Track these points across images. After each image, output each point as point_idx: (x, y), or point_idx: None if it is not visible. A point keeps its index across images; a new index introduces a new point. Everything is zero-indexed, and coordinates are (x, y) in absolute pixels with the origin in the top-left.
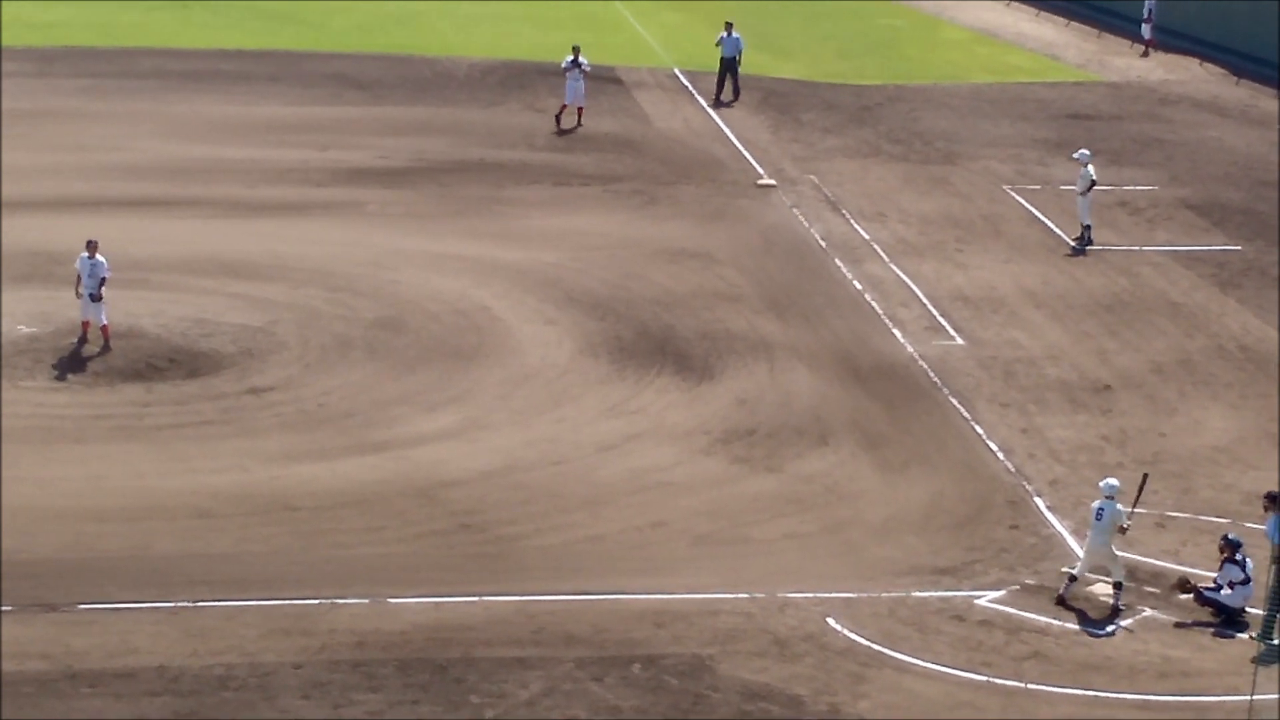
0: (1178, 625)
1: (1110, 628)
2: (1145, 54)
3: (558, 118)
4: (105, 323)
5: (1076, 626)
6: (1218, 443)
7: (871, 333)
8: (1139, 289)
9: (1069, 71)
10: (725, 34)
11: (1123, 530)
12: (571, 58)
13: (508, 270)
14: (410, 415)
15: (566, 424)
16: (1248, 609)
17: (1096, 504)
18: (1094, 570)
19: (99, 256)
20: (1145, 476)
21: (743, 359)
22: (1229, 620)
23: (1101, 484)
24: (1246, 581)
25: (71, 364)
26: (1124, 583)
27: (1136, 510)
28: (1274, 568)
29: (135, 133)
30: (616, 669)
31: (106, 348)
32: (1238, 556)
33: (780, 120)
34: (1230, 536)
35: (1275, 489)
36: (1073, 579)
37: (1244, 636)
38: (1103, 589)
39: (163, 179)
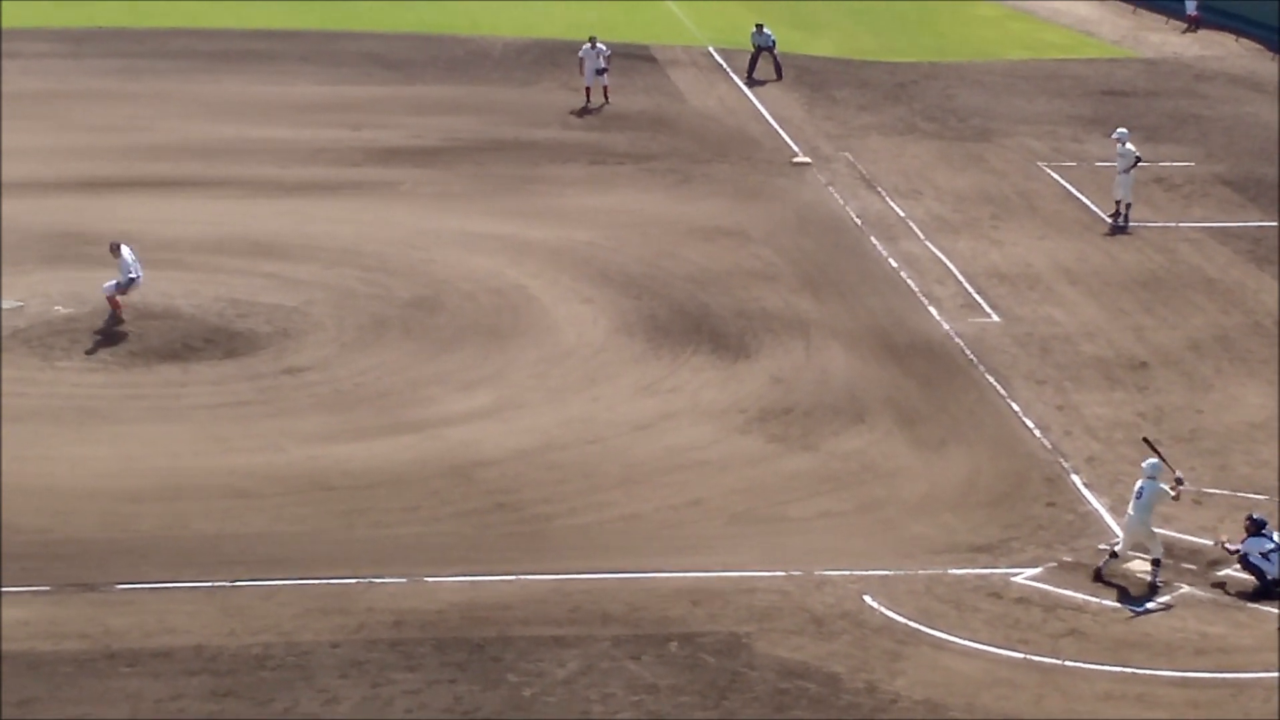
0: (1216, 585)
1: (1148, 605)
2: (1192, 29)
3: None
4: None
5: (1114, 604)
6: (1254, 419)
7: (907, 310)
8: (1175, 265)
9: (1104, 48)
10: (756, 31)
11: (1175, 497)
12: (588, 44)
13: (542, 249)
14: (446, 395)
15: (602, 403)
16: None
17: (1138, 482)
18: (1133, 548)
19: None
20: (1145, 440)
21: (778, 337)
22: (1266, 591)
23: (1144, 464)
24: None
25: (108, 344)
26: (1162, 560)
27: (1177, 476)
28: None
29: (167, 113)
30: (653, 647)
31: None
32: (1264, 531)
33: (814, 98)
34: (1255, 515)
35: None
36: (1113, 555)
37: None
38: (1140, 565)
39: (195, 159)
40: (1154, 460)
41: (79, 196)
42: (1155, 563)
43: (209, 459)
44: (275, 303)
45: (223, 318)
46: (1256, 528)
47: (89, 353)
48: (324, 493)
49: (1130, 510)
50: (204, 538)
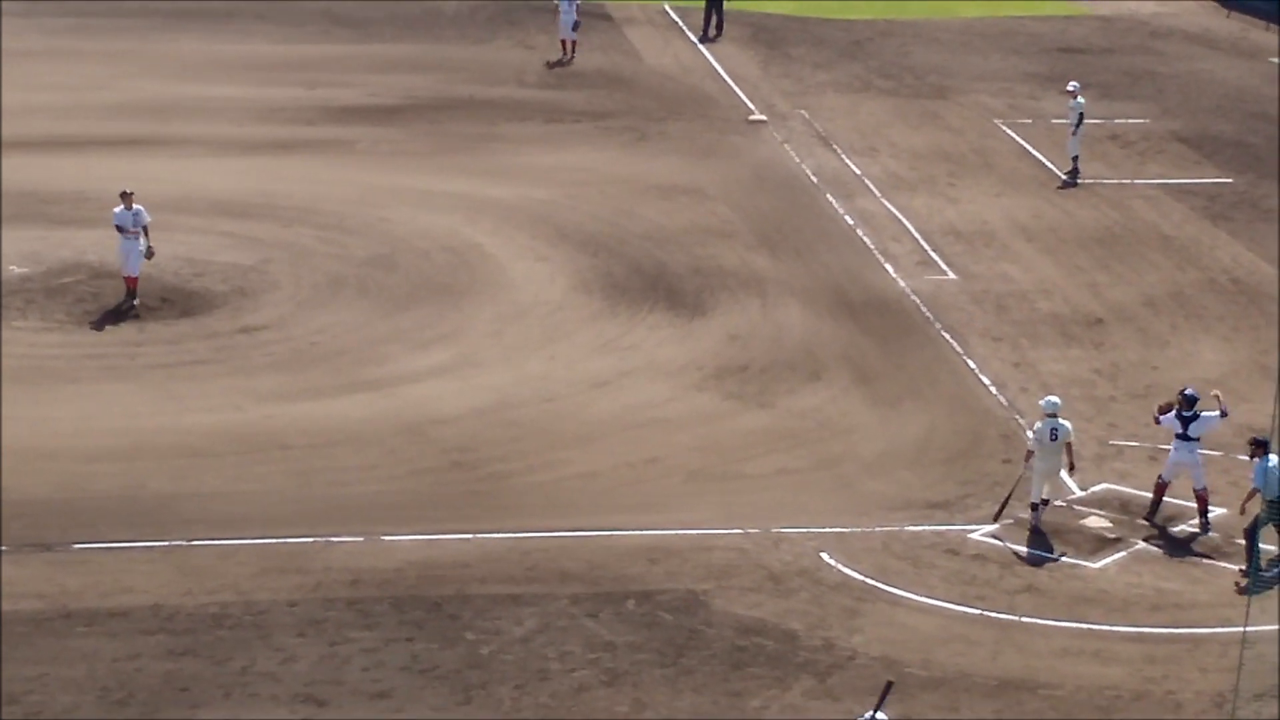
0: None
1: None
2: None
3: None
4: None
5: (1070, 559)
6: (1210, 375)
7: (863, 268)
8: (1131, 222)
9: (1060, 5)
10: None
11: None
12: None
13: (499, 207)
14: (402, 353)
15: (559, 361)
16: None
17: (1049, 425)
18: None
19: (137, 205)
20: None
21: (735, 295)
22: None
23: (1043, 402)
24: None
25: (63, 305)
26: (1047, 503)
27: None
28: (1263, 506)
29: (123, 72)
30: (611, 605)
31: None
32: (1185, 413)
33: (770, 56)
34: (1188, 391)
35: (1262, 429)
36: (1035, 507)
37: (1235, 568)
38: (1097, 521)
39: (151, 118)
40: (1052, 398)
41: (34, 155)
42: (1043, 503)
43: (165, 419)
44: (231, 261)
45: (178, 276)
46: (1188, 403)
47: (45, 313)
48: (281, 452)
49: (1044, 453)
50: (161, 497)
